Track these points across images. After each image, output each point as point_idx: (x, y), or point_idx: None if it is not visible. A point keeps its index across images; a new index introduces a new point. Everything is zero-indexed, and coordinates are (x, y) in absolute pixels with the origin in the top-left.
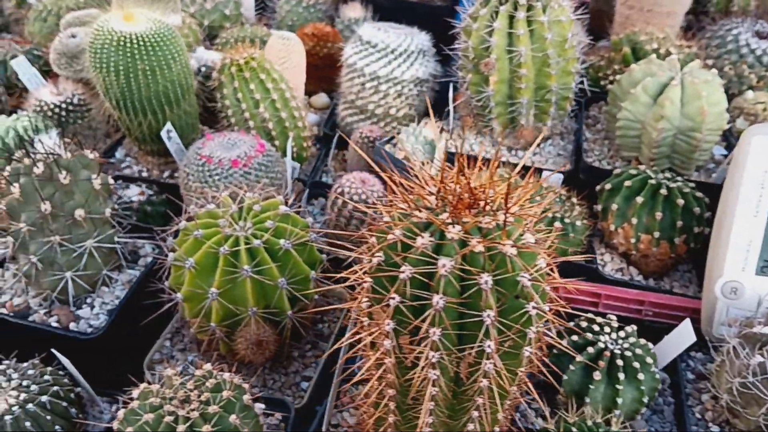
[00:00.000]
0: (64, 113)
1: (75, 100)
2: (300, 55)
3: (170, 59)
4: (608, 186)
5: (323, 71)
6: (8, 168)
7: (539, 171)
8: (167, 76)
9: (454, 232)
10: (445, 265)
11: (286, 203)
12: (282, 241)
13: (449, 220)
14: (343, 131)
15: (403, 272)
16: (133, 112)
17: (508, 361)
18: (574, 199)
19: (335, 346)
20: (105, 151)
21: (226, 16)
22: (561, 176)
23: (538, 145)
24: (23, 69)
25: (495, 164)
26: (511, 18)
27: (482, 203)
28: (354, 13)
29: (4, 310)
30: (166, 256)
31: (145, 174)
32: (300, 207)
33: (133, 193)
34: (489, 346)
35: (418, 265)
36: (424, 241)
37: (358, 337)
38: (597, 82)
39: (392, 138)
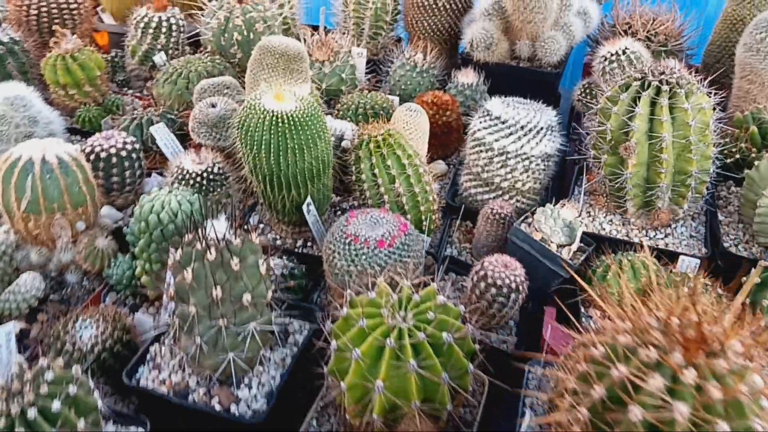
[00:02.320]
0: (204, 182)
1: (215, 170)
2: (425, 126)
3: (316, 137)
4: (757, 280)
5: (441, 138)
6: (179, 252)
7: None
8: (313, 153)
9: (690, 377)
10: (683, 412)
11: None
12: (444, 335)
13: (683, 362)
14: (466, 202)
15: (635, 415)
16: (278, 188)
17: None
18: (720, 290)
19: None
20: (240, 218)
21: (342, 79)
22: (698, 261)
23: (670, 226)
24: (161, 135)
25: (733, 317)
26: (653, 103)
27: (711, 341)
28: (467, 79)
29: (164, 389)
30: (320, 333)
31: (278, 242)
32: (449, 298)
33: (276, 265)
34: None
35: (649, 409)
36: (658, 384)
37: None
38: (722, 160)
39: (527, 216)
